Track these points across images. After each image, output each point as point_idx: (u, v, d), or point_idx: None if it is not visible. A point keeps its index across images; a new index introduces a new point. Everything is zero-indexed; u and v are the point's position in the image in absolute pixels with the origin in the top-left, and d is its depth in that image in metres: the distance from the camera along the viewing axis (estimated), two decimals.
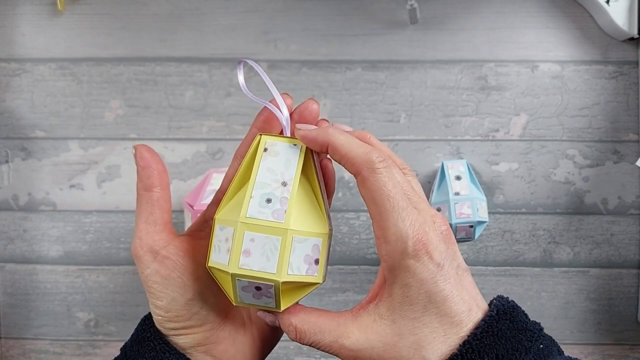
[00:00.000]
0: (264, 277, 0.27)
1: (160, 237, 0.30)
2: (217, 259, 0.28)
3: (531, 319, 0.29)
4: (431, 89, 0.59)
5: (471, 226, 0.53)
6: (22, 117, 0.60)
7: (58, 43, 0.59)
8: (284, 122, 0.30)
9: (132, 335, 0.32)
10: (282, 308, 0.28)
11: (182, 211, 0.60)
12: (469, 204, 0.53)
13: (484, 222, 0.54)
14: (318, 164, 0.31)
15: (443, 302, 0.26)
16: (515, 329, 0.27)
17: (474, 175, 0.57)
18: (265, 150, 0.29)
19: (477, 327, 0.26)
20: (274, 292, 0.27)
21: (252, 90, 0.63)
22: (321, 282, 0.29)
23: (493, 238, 0.60)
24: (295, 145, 0.30)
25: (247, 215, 0.27)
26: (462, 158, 0.59)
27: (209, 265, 0.28)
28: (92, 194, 0.60)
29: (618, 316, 0.60)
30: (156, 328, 0.30)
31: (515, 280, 0.60)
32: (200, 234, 0.31)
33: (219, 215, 0.29)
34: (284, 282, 0.27)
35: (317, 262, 0.29)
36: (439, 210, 0.54)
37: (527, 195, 0.59)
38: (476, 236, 0.54)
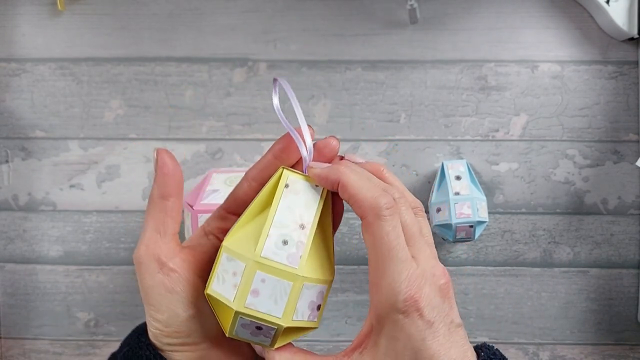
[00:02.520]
0: (269, 320, 0.26)
1: (167, 247, 0.29)
2: (221, 290, 0.27)
3: None
4: (431, 89, 0.59)
5: (471, 226, 0.53)
6: (22, 117, 0.60)
7: (58, 43, 0.59)
8: (306, 155, 0.29)
9: (122, 349, 0.31)
10: (275, 347, 0.28)
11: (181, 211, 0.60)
12: (469, 204, 0.53)
13: (484, 222, 0.54)
14: (330, 207, 0.30)
15: (429, 359, 0.26)
16: None
17: (474, 175, 0.57)
18: (287, 186, 0.28)
19: None
20: (273, 334, 0.27)
21: (252, 89, 0.63)
22: (317, 327, 0.29)
23: (493, 238, 0.60)
24: (317, 186, 0.29)
25: (261, 255, 0.26)
26: (462, 158, 0.59)
27: (208, 292, 0.28)
28: (92, 194, 0.60)
29: (618, 316, 0.60)
30: (152, 344, 0.30)
31: (515, 280, 0.60)
32: (202, 248, 0.31)
33: (229, 244, 0.28)
34: (286, 327, 0.27)
35: (318, 307, 0.29)
36: (438, 210, 0.54)
37: (527, 195, 0.59)
38: (476, 236, 0.54)
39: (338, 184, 0.28)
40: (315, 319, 0.29)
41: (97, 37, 0.59)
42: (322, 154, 0.30)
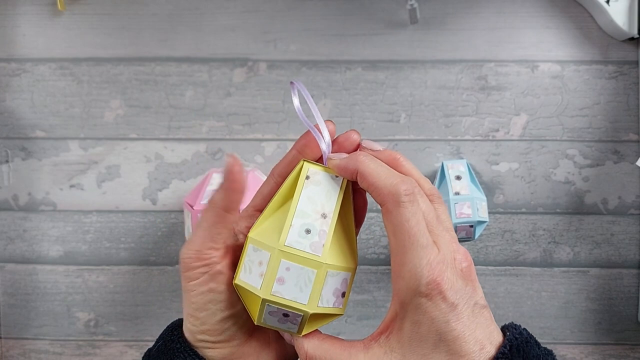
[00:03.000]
0: (295, 306, 0.27)
1: (218, 254, 0.30)
2: (248, 279, 0.28)
3: (543, 347, 0.28)
4: (431, 89, 0.59)
5: (471, 226, 0.53)
6: (22, 117, 0.60)
7: (58, 43, 0.59)
8: (324, 148, 0.30)
9: (157, 344, 0.32)
10: (303, 334, 0.29)
11: (182, 211, 0.60)
12: (469, 204, 0.53)
13: (484, 222, 0.54)
14: (351, 196, 0.31)
15: (454, 341, 0.26)
16: None
17: (474, 175, 0.57)
18: (308, 178, 0.29)
19: None
20: (300, 320, 0.28)
21: (252, 89, 0.63)
22: (343, 314, 0.30)
23: (493, 238, 0.60)
24: (337, 177, 0.30)
25: (285, 244, 0.27)
26: (462, 158, 0.59)
27: (236, 282, 0.29)
28: (92, 194, 0.60)
29: (618, 316, 0.60)
30: (185, 339, 0.30)
31: (516, 280, 0.60)
32: (236, 248, 0.31)
33: (254, 235, 0.29)
34: (312, 314, 0.27)
35: (343, 295, 0.29)
36: None
37: (527, 195, 0.59)
38: (476, 236, 0.54)
39: (357, 174, 0.29)
40: (341, 306, 0.29)
41: (97, 37, 0.59)
42: (342, 147, 0.31)
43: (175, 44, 0.59)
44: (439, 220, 0.29)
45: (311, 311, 0.27)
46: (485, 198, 0.55)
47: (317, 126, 0.30)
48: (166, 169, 0.60)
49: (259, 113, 0.59)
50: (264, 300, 0.27)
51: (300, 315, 0.27)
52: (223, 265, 0.30)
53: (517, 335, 0.27)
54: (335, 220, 0.29)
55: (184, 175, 0.60)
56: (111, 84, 0.59)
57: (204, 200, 0.50)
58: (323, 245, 0.28)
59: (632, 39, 0.57)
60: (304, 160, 0.30)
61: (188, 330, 0.30)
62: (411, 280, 0.26)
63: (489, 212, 0.59)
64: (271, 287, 0.27)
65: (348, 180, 0.30)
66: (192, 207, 0.51)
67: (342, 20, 0.59)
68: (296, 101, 0.32)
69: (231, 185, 0.29)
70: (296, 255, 0.27)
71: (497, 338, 0.27)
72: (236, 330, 0.30)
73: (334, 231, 0.29)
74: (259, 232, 0.29)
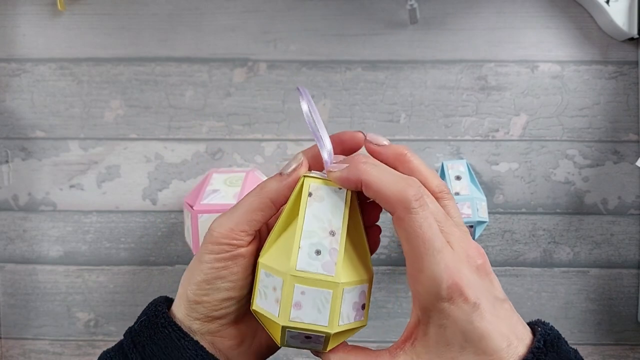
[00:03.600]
0: (316, 329, 0.27)
1: (248, 238, 0.30)
2: (265, 305, 0.28)
3: (571, 347, 0.28)
4: (431, 89, 0.59)
5: (471, 226, 0.53)
6: (22, 117, 0.60)
7: (58, 43, 0.59)
8: (326, 157, 0.30)
9: (140, 319, 0.31)
10: (328, 349, 0.29)
11: (182, 211, 0.60)
12: (469, 204, 0.53)
13: (484, 222, 0.54)
14: (357, 206, 0.30)
15: (480, 340, 0.25)
16: None
17: (474, 175, 0.57)
18: (310, 195, 0.29)
19: None
20: (323, 340, 0.28)
21: (252, 89, 0.63)
22: (366, 324, 0.29)
23: (493, 238, 0.60)
24: (340, 189, 0.29)
25: (297, 268, 0.27)
26: (462, 158, 0.59)
27: (254, 308, 0.28)
28: (92, 194, 0.60)
29: (618, 316, 0.60)
30: (169, 315, 0.30)
31: (515, 280, 0.60)
32: (263, 237, 0.31)
33: (264, 260, 0.28)
34: (334, 333, 0.27)
35: (363, 307, 0.29)
36: None
37: (527, 195, 0.59)
38: (476, 236, 0.54)
39: (361, 184, 0.28)
40: (362, 318, 0.29)
41: (97, 37, 0.59)
42: (346, 145, 0.31)
43: (175, 44, 0.59)
44: (448, 217, 0.28)
45: (333, 331, 0.27)
46: (485, 198, 0.55)
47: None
48: (166, 169, 0.60)
49: (259, 113, 0.59)
50: (283, 327, 0.27)
51: (323, 336, 0.27)
52: (247, 250, 0.29)
53: (548, 331, 0.27)
54: (345, 236, 0.28)
55: (184, 176, 0.60)
56: (111, 84, 0.59)
57: (203, 201, 0.50)
58: (335, 263, 0.27)
59: (632, 39, 0.57)
60: (305, 175, 0.29)
61: (184, 297, 0.30)
62: (431, 287, 0.26)
63: (489, 213, 0.59)
64: (289, 314, 0.27)
65: (352, 191, 0.29)
66: (191, 207, 0.51)
67: (342, 20, 0.59)
68: (305, 107, 0.31)
69: (289, 183, 0.29)
70: (309, 278, 0.27)
71: (524, 332, 0.27)
72: (231, 311, 0.30)
73: (345, 246, 0.28)
74: (268, 256, 0.29)
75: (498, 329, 0.26)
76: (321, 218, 0.28)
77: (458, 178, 0.55)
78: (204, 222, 0.49)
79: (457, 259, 0.26)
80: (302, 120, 0.59)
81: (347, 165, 0.29)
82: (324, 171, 0.30)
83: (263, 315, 0.28)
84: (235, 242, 0.29)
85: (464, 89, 0.59)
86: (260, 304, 0.28)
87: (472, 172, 0.57)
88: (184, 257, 0.60)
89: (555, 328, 0.28)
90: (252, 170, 0.55)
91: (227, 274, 0.29)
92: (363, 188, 0.28)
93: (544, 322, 0.28)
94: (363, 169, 0.28)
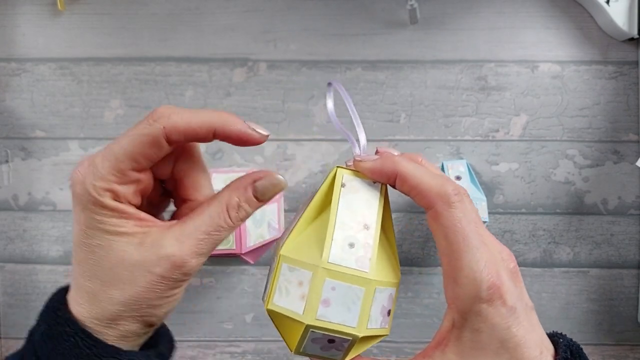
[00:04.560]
0: (343, 330, 0.25)
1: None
2: (285, 304, 0.25)
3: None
4: (431, 89, 0.59)
5: None
6: (22, 117, 0.60)
7: (58, 43, 0.59)
8: (358, 152, 0.28)
9: (39, 324, 0.27)
10: None
11: None
12: None
13: (484, 222, 0.54)
14: (389, 204, 0.29)
15: (515, 348, 0.25)
16: None
17: (474, 176, 0.57)
18: (344, 186, 0.27)
19: None
20: (346, 346, 0.25)
21: (252, 89, 0.63)
22: (388, 334, 0.27)
23: None
24: (374, 182, 0.27)
25: (329, 260, 0.25)
26: (462, 158, 0.59)
27: (270, 307, 0.26)
28: None
29: (618, 317, 0.60)
30: (75, 320, 0.26)
31: None
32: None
33: (287, 253, 0.26)
34: (361, 338, 0.25)
35: (388, 313, 0.27)
36: None
37: (527, 196, 0.59)
38: None
39: (395, 177, 0.27)
40: (387, 325, 0.27)
41: (97, 37, 0.59)
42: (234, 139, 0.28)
43: (175, 44, 0.59)
44: (481, 221, 0.27)
45: (361, 334, 0.25)
46: (485, 198, 0.55)
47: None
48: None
49: (259, 113, 0.59)
50: (307, 327, 0.24)
51: (348, 340, 0.25)
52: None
53: (570, 342, 0.27)
54: (379, 231, 0.26)
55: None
56: (111, 84, 0.59)
57: None
58: (369, 259, 0.25)
59: (632, 39, 0.57)
60: (338, 166, 0.28)
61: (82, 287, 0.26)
62: (471, 286, 0.25)
63: (489, 213, 0.58)
64: (316, 311, 0.24)
65: (385, 185, 0.28)
66: None
67: (342, 20, 0.59)
68: (330, 104, 0.30)
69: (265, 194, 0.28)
70: (342, 272, 0.25)
71: (548, 342, 0.26)
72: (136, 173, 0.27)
73: (379, 243, 0.26)
74: (293, 248, 0.26)
75: (531, 337, 0.25)
76: (355, 210, 0.26)
77: (458, 178, 0.55)
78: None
79: (495, 260, 0.26)
80: (302, 120, 0.59)
81: (379, 157, 0.28)
82: (350, 163, 0.28)
83: (281, 314, 0.25)
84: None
85: (464, 89, 0.59)
86: (279, 302, 0.25)
87: (472, 172, 0.57)
88: None
89: (574, 340, 0.28)
90: (252, 170, 0.55)
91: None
92: (398, 181, 0.27)
93: (562, 333, 0.28)
94: (398, 160, 0.27)
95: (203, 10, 0.59)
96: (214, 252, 0.49)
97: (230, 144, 0.28)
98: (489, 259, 0.25)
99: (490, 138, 0.59)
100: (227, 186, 0.28)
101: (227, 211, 0.26)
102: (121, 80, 0.59)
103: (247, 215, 0.27)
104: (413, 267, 0.60)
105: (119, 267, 0.25)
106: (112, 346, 0.25)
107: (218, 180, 0.53)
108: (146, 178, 0.28)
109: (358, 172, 0.28)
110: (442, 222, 0.26)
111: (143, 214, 0.27)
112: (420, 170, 0.26)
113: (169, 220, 0.30)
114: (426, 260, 0.60)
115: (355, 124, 0.29)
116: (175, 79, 0.59)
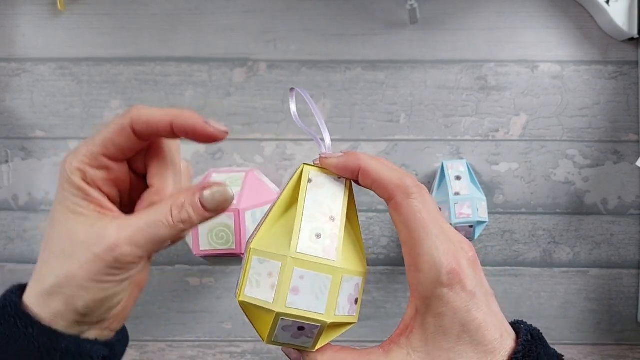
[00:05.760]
0: (312, 317, 0.26)
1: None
2: (256, 294, 0.26)
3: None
4: (431, 89, 0.59)
5: (471, 226, 0.53)
6: (22, 117, 0.60)
7: (58, 43, 0.59)
8: (324, 150, 0.30)
9: None
10: (316, 348, 0.27)
11: None
12: (469, 204, 0.53)
13: (484, 222, 0.54)
14: (354, 198, 0.30)
15: (477, 330, 0.26)
16: (549, 355, 0.27)
17: (474, 175, 0.57)
18: (310, 181, 0.29)
19: (515, 353, 0.26)
20: (316, 333, 0.27)
21: (252, 89, 0.63)
22: (356, 322, 0.29)
23: (493, 238, 0.60)
24: (339, 178, 0.29)
25: (297, 250, 0.26)
26: (462, 158, 0.59)
27: (241, 299, 0.27)
28: None
29: (618, 316, 0.60)
30: (17, 302, 0.27)
31: (515, 280, 0.60)
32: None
33: (257, 246, 0.27)
34: (330, 323, 0.26)
35: (356, 301, 0.28)
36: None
37: (527, 196, 0.59)
38: (476, 236, 0.54)
39: (358, 172, 0.28)
40: (354, 313, 0.28)
41: (97, 37, 0.59)
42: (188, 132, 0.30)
43: (175, 44, 0.59)
44: (442, 214, 0.29)
45: (329, 321, 0.26)
46: (485, 198, 0.55)
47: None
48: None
49: (258, 113, 0.59)
50: (277, 314, 0.26)
51: (317, 326, 0.26)
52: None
53: (531, 327, 0.28)
54: (344, 223, 0.28)
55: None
56: (111, 84, 0.59)
57: None
58: (336, 249, 0.27)
59: (632, 39, 0.57)
60: (304, 163, 0.29)
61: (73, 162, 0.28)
62: (431, 272, 0.26)
63: (489, 213, 0.59)
64: (285, 299, 0.25)
65: (350, 181, 0.29)
66: None
67: (342, 20, 0.59)
68: (293, 107, 0.32)
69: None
70: (310, 261, 0.26)
71: (509, 327, 0.28)
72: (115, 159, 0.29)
73: (344, 234, 0.28)
74: (262, 242, 0.27)
75: (492, 320, 0.26)
76: (322, 203, 0.28)
77: (458, 178, 0.55)
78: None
79: (455, 248, 0.27)
80: (302, 120, 0.59)
81: (342, 154, 0.29)
82: (317, 161, 0.30)
83: (253, 305, 0.27)
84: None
85: (463, 89, 0.59)
86: (251, 293, 0.26)
87: (472, 172, 0.57)
88: (184, 257, 0.60)
89: (535, 327, 0.29)
90: (252, 170, 0.55)
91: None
92: (360, 176, 0.28)
93: (523, 321, 0.29)
94: (361, 156, 0.28)
95: (203, 11, 0.59)
96: (214, 252, 0.49)
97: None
98: (449, 246, 0.27)
99: (490, 138, 0.59)
100: (183, 189, 0.30)
101: (171, 209, 0.28)
102: (121, 81, 0.59)
103: (190, 219, 0.28)
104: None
105: (66, 242, 0.28)
106: (49, 327, 0.27)
107: (218, 180, 0.53)
108: (118, 168, 0.29)
109: (324, 168, 0.29)
110: (402, 212, 0.27)
111: (107, 203, 0.29)
112: (381, 165, 0.28)
113: None
114: None
115: (320, 125, 0.31)
116: (175, 79, 0.59)
